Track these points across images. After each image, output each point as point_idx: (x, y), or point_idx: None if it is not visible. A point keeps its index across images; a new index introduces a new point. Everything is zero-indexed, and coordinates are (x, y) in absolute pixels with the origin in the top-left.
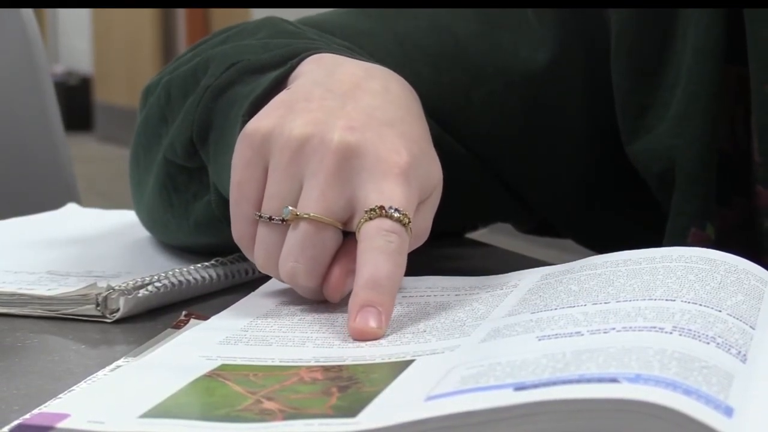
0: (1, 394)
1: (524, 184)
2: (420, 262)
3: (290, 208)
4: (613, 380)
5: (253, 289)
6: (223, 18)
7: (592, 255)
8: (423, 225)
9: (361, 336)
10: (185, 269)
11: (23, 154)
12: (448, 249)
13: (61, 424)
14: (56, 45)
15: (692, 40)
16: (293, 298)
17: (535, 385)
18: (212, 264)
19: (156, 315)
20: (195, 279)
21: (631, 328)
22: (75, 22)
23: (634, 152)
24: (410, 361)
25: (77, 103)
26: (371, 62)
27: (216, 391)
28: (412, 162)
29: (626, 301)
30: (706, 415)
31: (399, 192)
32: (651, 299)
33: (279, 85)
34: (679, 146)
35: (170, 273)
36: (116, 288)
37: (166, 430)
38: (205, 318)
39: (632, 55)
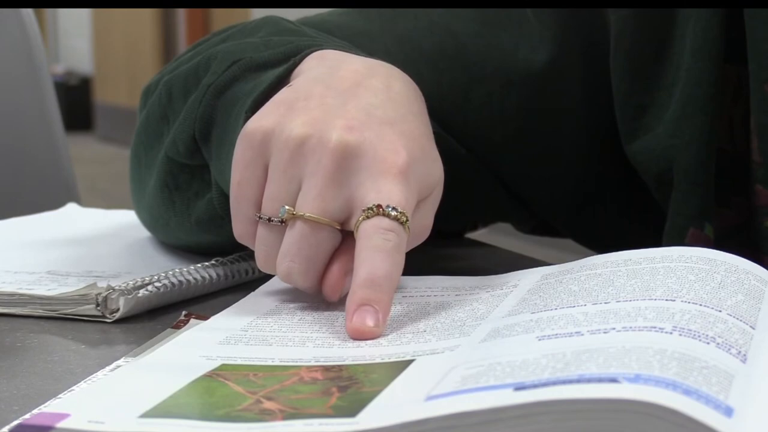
0: (1, 394)
1: (523, 183)
2: (420, 262)
3: (287, 207)
4: (613, 380)
5: (253, 289)
6: (223, 18)
7: (592, 255)
8: (423, 223)
9: (359, 335)
10: (185, 269)
11: (23, 154)
12: (448, 249)
13: (61, 424)
14: (56, 45)
15: (691, 41)
16: (293, 297)
17: (535, 385)
18: (212, 264)
19: (156, 315)
20: (195, 279)
21: (631, 328)
22: (75, 22)
23: (633, 152)
24: (410, 361)
25: (77, 103)
26: (374, 59)
27: (216, 391)
28: (410, 161)
29: (626, 301)
30: (706, 415)
31: (397, 191)
32: (651, 299)
33: (281, 82)
34: (678, 146)
35: (170, 273)
36: (116, 288)
37: (166, 430)
38: (205, 318)
39: (631, 55)
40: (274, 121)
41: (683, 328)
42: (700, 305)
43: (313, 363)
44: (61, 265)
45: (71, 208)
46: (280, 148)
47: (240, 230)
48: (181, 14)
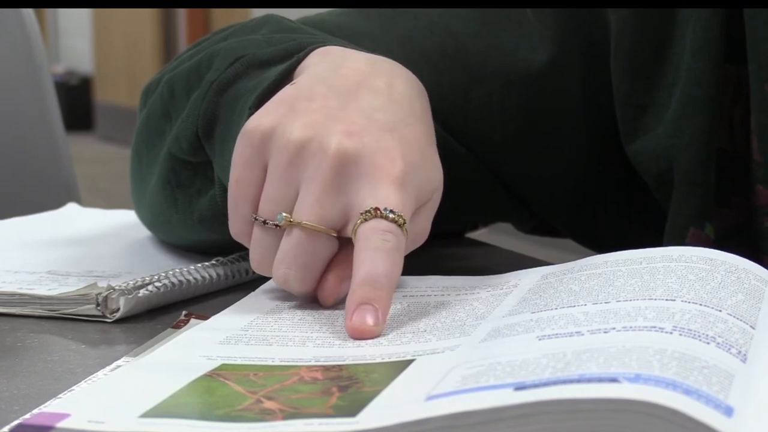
0: (1, 394)
1: (523, 183)
2: (420, 262)
3: (284, 214)
4: (614, 380)
5: (254, 289)
6: (223, 18)
7: (592, 255)
8: (422, 226)
9: (359, 334)
10: (185, 269)
11: (23, 154)
12: (448, 249)
13: (61, 424)
14: (56, 45)
15: (691, 41)
16: (293, 297)
17: (536, 385)
18: (212, 264)
19: (156, 315)
20: (195, 279)
21: (631, 327)
22: (75, 22)
23: (633, 152)
24: (410, 361)
25: (77, 103)
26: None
27: (216, 391)
28: (408, 169)
29: (626, 300)
30: (706, 414)
31: (394, 196)
32: (651, 299)
33: (284, 78)
34: (678, 146)
35: (170, 273)
36: (116, 288)
37: (166, 430)
38: (205, 318)
39: (631, 55)
40: (274, 121)
41: (683, 328)
42: (700, 305)
43: (313, 363)
44: (62, 265)
45: (71, 207)
46: (280, 150)
47: (236, 229)
48: (182, 14)
